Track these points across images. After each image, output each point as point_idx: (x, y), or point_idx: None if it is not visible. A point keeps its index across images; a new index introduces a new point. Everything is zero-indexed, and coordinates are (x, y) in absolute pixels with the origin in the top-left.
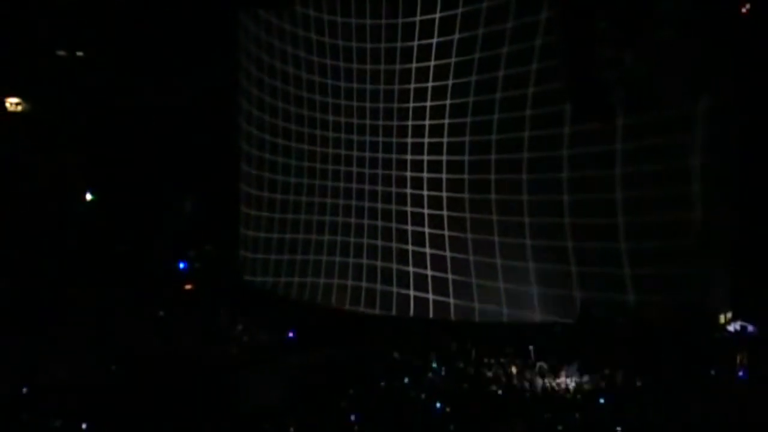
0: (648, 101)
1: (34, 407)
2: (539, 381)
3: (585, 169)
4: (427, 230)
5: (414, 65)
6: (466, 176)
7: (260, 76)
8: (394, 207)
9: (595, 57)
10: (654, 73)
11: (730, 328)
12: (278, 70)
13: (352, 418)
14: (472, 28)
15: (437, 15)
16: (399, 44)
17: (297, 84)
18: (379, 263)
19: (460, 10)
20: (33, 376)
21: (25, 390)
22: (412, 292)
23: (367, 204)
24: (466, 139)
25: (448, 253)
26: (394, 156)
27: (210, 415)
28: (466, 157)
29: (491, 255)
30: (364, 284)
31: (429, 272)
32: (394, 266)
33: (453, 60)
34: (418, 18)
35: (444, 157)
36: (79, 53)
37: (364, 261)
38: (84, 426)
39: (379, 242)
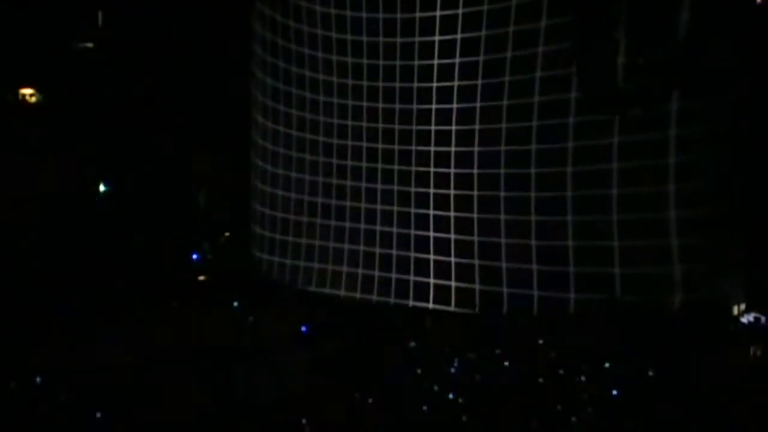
0: (661, 94)
1: (50, 399)
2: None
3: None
4: (453, 213)
5: (437, 37)
6: (502, 171)
7: (271, 61)
8: (412, 210)
9: (610, 50)
10: (668, 65)
11: (744, 320)
12: (287, 49)
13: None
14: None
15: None
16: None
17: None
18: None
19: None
20: (47, 368)
21: (38, 380)
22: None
23: (379, 205)
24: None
25: (476, 238)
26: (413, 147)
27: (222, 406)
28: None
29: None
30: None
31: (453, 259)
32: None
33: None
34: None
35: (476, 149)
36: (91, 45)
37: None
38: (99, 414)
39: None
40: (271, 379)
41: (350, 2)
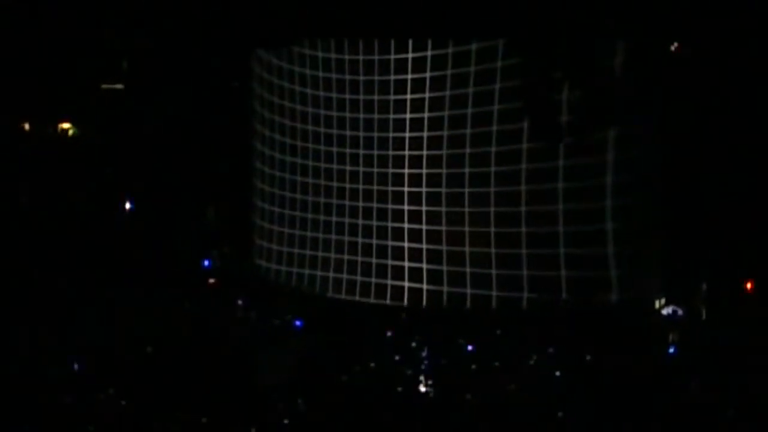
0: (591, 125)
1: (82, 384)
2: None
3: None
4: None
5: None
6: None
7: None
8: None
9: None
10: (595, 103)
11: (664, 311)
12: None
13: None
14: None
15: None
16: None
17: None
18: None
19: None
20: (82, 356)
21: (77, 367)
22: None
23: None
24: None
25: (444, 247)
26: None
27: (229, 389)
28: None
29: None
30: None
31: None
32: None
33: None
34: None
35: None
36: (120, 86)
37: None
38: (124, 399)
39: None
40: (271, 365)
41: None
